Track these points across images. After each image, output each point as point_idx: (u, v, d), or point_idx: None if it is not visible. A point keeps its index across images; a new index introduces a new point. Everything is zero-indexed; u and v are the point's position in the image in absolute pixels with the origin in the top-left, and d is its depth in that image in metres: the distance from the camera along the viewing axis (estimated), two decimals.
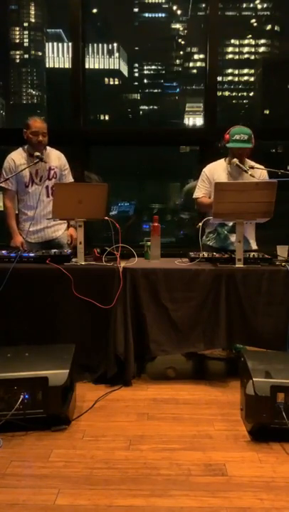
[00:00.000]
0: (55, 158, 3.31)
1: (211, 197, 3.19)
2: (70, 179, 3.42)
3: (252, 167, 3.07)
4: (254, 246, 3.24)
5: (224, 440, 2.16)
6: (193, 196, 3.30)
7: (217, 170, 3.22)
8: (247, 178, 3.10)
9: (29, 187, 3.22)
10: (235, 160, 3.08)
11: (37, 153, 3.12)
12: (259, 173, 3.13)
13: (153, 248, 3.03)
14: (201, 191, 3.24)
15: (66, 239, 3.41)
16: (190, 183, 3.41)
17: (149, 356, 2.95)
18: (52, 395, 2.16)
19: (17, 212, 3.34)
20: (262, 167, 3.13)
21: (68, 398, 2.27)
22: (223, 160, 3.27)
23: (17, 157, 3.22)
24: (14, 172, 3.17)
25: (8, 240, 3.29)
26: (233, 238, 3.18)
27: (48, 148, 3.29)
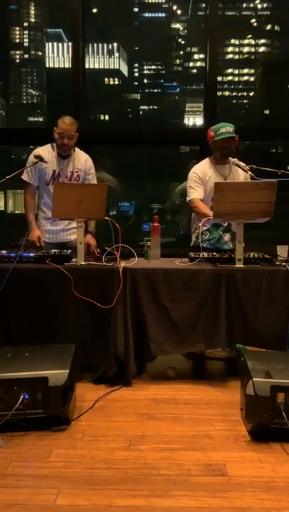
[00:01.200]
0: (82, 161, 3.29)
1: (205, 197, 3.19)
2: (94, 183, 3.38)
3: (238, 164, 3.07)
4: (243, 244, 3.23)
5: (224, 440, 2.16)
6: (189, 199, 3.26)
7: (207, 170, 3.24)
8: (234, 176, 3.17)
9: (50, 185, 3.20)
10: (235, 160, 3.08)
11: (37, 154, 3.12)
12: (242, 171, 3.15)
13: (153, 248, 3.03)
14: (196, 192, 3.22)
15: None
16: (182, 184, 3.40)
17: (149, 356, 2.95)
18: (52, 395, 2.16)
19: (37, 209, 3.33)
20: (244, 164, 3.10)
21: (68, 398, 2.27)
22: (207, 160, 3.29)
23: (43, 152, 3.19)
24: (37, 167, 3.15)
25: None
26: (226, 238, 3.19)
27: (76, 149, 3.28)
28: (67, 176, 3.24)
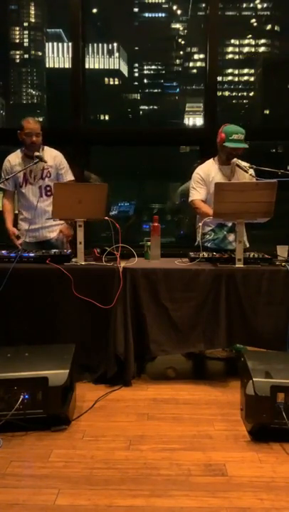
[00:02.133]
0: (50, 157, 3.31)
1: (208, 198, 3.19)
2: (70, 177, 3.39)
3: (238, 165, 3.07)
4: (247, 244, 3.24)
5: (224, 440, 2.16)
6: (190, 199, 3.26)
7: (211, 171, 3.22)
8: (239, 177, 3.14)
9: (23, 187, 3.27)
10: (235, 160, 3.08)
11: (37, 153, 3.14)
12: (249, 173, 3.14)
13: (153, 248, 3.03)
14: (198, 193, 3.21)
15: (60, 240, 3.41)
16: (184, 184, 3.39)
17: (149, 356, 2.95)
18: (52, 395, 2.16)
19: (17, 212, 3.39)
20: (247, 164, 3.10)
21: (68, 398, 2.27)
22: (212, 160, 3.27)
23: (13, 158, 3.29)
24: (10, 173, 3.24)
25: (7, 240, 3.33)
26: (231, 238, 3.18)
27: (45, 147, 3.31)
28: (36, 175, 3.28)
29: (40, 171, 3.27)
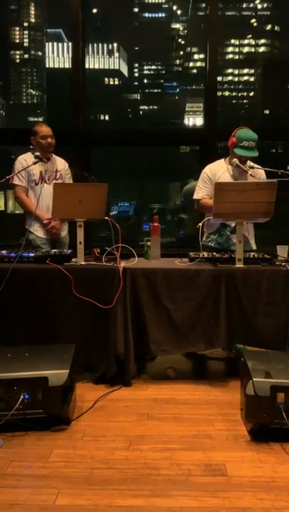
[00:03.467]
0: (61, 162, 3.50)
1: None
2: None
3: (252, 167, 3.06)
4: (254, 246, 3.24)
5: (224, 440, 2.16)
6: (194, 197, 3.27)
7: (219, 170, 3.20)
8: (248, 178, 3.10)
9: (39, 185, 3.35)
10: (236, 160, 3.07)
11: (37, 153, 3.23)
12: (260, 173, 3.13)
13: (153, 248, 3.03)
14: (203, 192, 3.22)
15: (68, 239, 3.53)
16: (189, 184, 3.39)
17: (149, 356, 2.95)
18: (52, 395, 2.16)
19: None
20: (259, 167, 3.11)
21: (68, 398, 2.27)
22: (222, 160, 3.25)
23: (28, 158, 3.36)
24: (25, 170, 3.32)
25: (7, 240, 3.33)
26: (234, 239, 3.18)
27: (52, 155, 3.45)
28: (51, 175, 3.40)
29: (54, 172, 3.41)
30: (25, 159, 3.35)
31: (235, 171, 3.15)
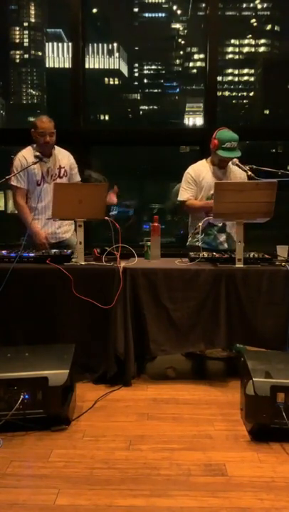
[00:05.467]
0: (65, 157, 3.30)
1: (199, 198, 3.20)
2: (78, 179, 3.38)
3: (238, 165, 3.06)
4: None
5: (224, 440, 2.16)
6: (179, 199, 3.25)
7: (202, 171, 3.22)
8: (231, 177, 3.15)
9: (41, 185, 3.20)
10: (236, 160, 3.07)
11: (37, 153, 3.14)
12: (239, 173, 3.15)
13: (153, 248, 3.03)
14: (188, 193, 3.21)
15: (75, 241, 3.33)
16: (178, 185, 3.40)
17: (149, 356, 2.95)
18: (52, 395, 2.16)
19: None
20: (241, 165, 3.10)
21: (68, 398, 2.27)
22: (204, 161, 3.28)
23: (28, 155, 3.19)
24: (24, 170, 3.16)
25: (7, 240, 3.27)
26: (222, 238, 3.19)
27: (56, 147, 3.27)
28: (55, 173, 3.23)
29: (58, 170, 3.24)
30: (25, 157, 3.17)
31: (218, 171, 3.18)
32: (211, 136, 3.17)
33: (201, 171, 3.22)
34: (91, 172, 4.13)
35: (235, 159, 3.07)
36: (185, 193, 3.23)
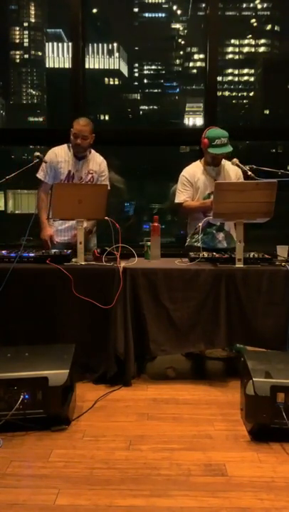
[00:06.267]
0: (96, 163, 3.30)
1: (195, 199, 3.22)
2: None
3: (238, 165, 3.07)
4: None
5: (224, 440, 2.16)
6: (176, 201, 3.28)
7: (196, 172, 3.25)
8: (224, 177, 3.18)
9: None
10: (235, 160, 3.08)
11: (37, 154, 3.11)
12: (235, 172, 3.18)
13: (153, 248, 3.03)
14: (184, 195, 3.24)
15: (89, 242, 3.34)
16: (174, 186, 3.42)
17: (149, 356, 2.95)
18: (52, 395, 2.16)
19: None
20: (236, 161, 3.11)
21: (68, 398, 2.27)
22: (198, 162, 3.30)
23: (59, 152, 3.21)
24: (53, 165, 3.18)
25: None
26: (220, 237, 3.20)
27: (92, 151, 3.28)
28: (81, 177, 3.24)
29: (86, 174, 3.24)
30: (56, 152, 3.19)
31: (213, 171, 3.19)
32: None
33: (195, 172, 3.24)
34: (113, 174, 4.12)
35: (235, 159, 3.08)
36: (181, 195, 3.25)
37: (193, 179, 3.22)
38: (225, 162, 3.19)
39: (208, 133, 3.14)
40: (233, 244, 3.13)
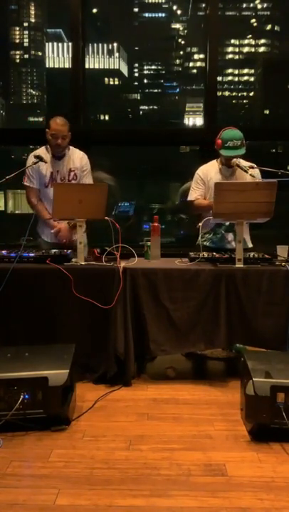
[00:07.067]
0: (77, 158, 3.26)
1: (207, 198, 3.21)
2: (90, 181, 3.32)
3: (252, 167, 3.06)
4: (250, 244, 3.25)
5: (224, 440, 2.16)
6: (188, 199, 3.28)
7: (211, 171, 3.23)
8: (239, 178, 3.13)
9: (48, 187, 3.19)
10: (235, 160, 3.08)
11: (37, 154, 3.12)
12: (255, 173, 3.14)
13: (153, 248, 3.03)
14: (196, 193, 3.23)
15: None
16: (185, 184, 3.41)
17: (149, 356, 2.95)
18: (52, 395, 2.16)
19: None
20: (251, 164, 3.10)
21: (68, 398, 2.27)
22: (215, 161, 3.28)
23: (40, 154, 3.17)
24: (35, 170, 3.16)
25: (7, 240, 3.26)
26: (230, 237, 3.19)
27: (71, 148, 3.25)
28: (64, 176, 3.22)
29: (68, 172, 3.22)
30: (36, 155, 3.13)
31: (226, 170, 3.17)
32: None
33: (209, 170, 3.23)
34: (102, 173, 4.12)
35: (234, 160, 3.08)
36: (194, 192, 3.25)
37: (206, 178, 3.21)
38: (240, 162, 3.15)
39: (223, 134, 3.10)
40: (244, 245, 3.11)
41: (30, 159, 3.16)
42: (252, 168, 3.03)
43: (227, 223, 3.14)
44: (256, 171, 3.10)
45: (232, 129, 3.13)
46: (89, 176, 3.32)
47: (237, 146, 3.06)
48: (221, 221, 3.09)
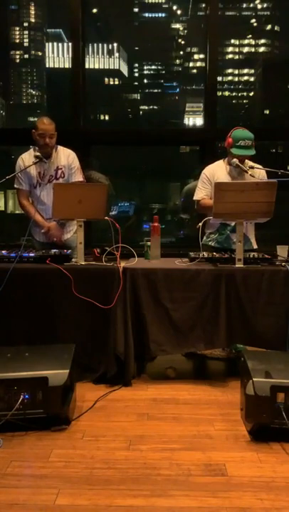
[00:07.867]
0: (64, 157, 3.26)
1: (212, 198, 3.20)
2: (78, 178, 3.31)
3: (251, 167, 3.07)
4: (255, 245, 3.24)
5: (224, 440, 2.16)
6: (194, 198, 3.28)
7: (217, 171, 3.21)
8: (247, 178, 3.10)
9: (37, 188, 3.21)
10: (236, 160, 3.07)
11: (37, 154, 3.13)
12: (258, 173, 3.14)
13: (153, 248, 3.03)
14: (202, 193, 3.23)
15: (74, 242, 3.30)
16: (190, 184, 3.40)
17: (149, 356, 2.95)
18: (52, 395, 2.16)
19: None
20: (260, 166, 3.12)
21: (68, 398, 2.27)
22: (222, 161, 3.26)
23: (26, 157, 3.22)
24: (24, 171, 3.18)
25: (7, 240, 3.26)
26: (234, 238, 3.18)
27: (58, 147, 3.26)
28: (52, 175, 3.22)
29: (54, 171, 3.22)
30: (23, 158, 3.21)
31: (234, 171, 3.16)
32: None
33: (215, 170, 3.22)
34: (92, 172, 4.12)
35: (234, 159, 3.07)
36: (199, 192, 3.24)
37: (212, 178, 3.20)
38: (248, 163, 3.15)
39: (234, 133, 3.09)
40: (249, 246, 3.12)
41: (18, 163, 3.21)
42: (257, 168, 3.01)
43: (232, 224, 3.13)
44: (263, 173, 3.12)
45: (243, 129, 3.13)
46: (78, 173, 3.32)
47: (248, 146, 3.06)
48: (222, 221, 3.09)
